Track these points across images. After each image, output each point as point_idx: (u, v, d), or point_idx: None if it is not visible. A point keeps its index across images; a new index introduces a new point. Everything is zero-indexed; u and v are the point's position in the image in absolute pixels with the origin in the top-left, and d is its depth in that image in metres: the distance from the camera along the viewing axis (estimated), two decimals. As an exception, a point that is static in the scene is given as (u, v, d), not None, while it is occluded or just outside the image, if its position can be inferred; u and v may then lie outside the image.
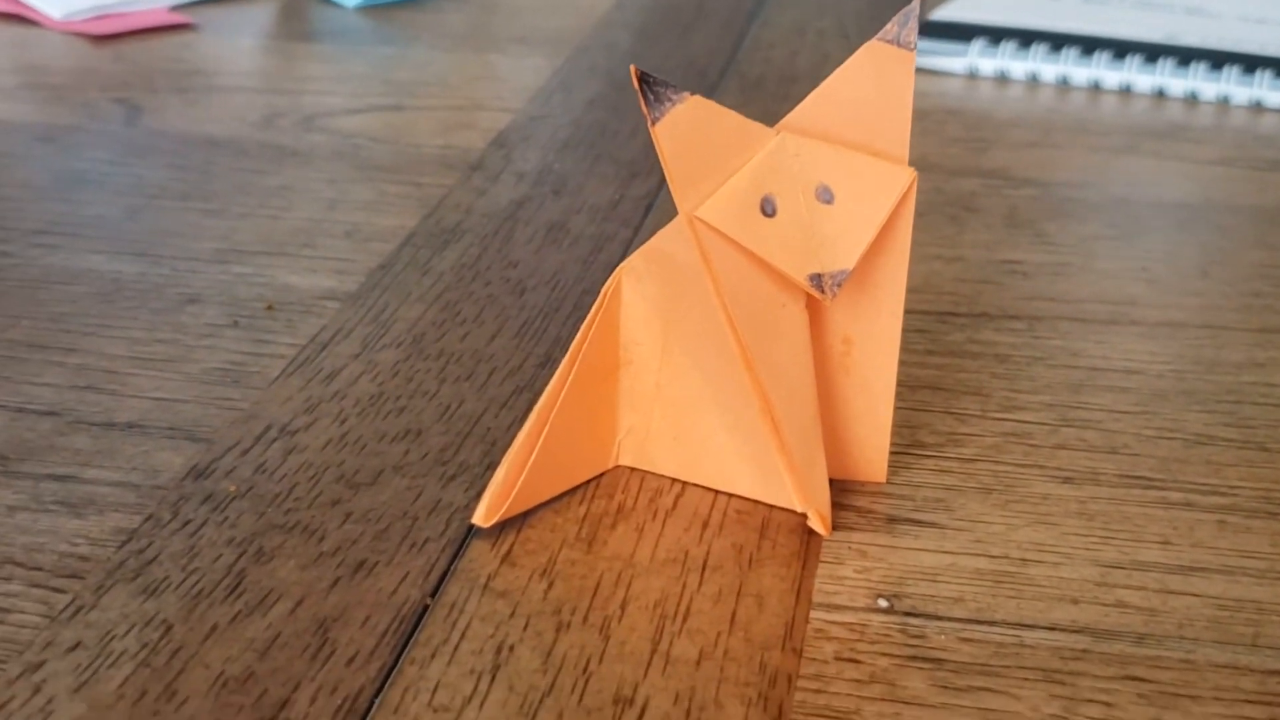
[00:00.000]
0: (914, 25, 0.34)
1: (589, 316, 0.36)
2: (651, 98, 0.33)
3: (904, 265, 0.34)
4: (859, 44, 0.74)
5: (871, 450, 0.36)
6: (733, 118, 0.34)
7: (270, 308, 0.45)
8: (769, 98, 0.65)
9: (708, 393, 0.36)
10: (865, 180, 0.33)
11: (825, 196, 0.33)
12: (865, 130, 0.34)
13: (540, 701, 0.30)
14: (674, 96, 0.33)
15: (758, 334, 0.34)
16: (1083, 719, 0.30)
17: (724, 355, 0.35)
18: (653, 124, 0.33)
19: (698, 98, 0.33)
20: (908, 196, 0.33)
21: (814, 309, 0.35)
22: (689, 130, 0.33)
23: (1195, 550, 0.35)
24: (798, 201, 0.33)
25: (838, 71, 0.34)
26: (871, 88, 0.34)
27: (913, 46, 0.33)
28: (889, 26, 0.34)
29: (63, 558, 0.34)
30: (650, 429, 0.38)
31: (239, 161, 0.57)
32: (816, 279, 0.33)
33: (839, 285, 0.33)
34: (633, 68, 0.33)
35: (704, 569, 0.34)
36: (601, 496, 0.37)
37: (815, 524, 0.35)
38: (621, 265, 0.37)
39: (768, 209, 0.33)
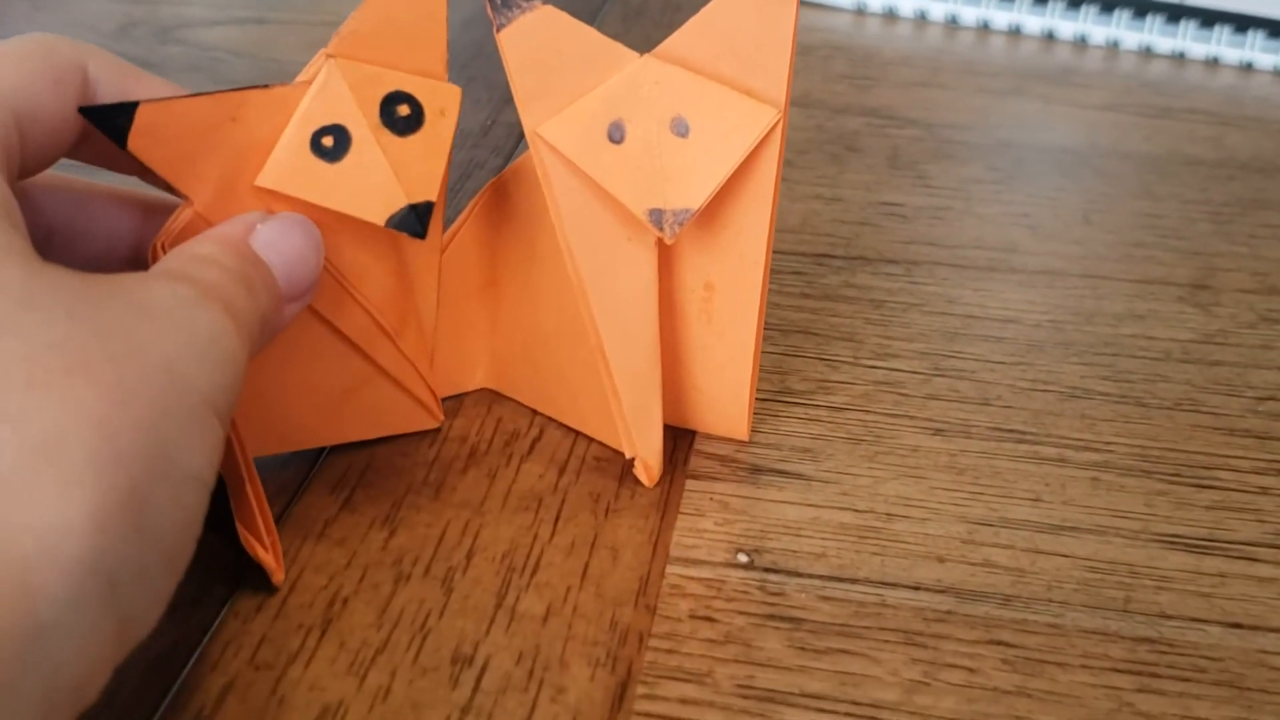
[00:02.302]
0: (795, -50, 0.31)
1: (454, 224, 0.34)
2: (499, 1, 0.31)
3: (767, 209, 0.32)
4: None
5: (733, 406, 0.35)
6: (590, 34, 0.31)
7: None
8: (651, 25, 0.63)
9: (563, 325, 0.34)
10: (726, 116, 0.31)
11: (680, 129, 0.31)
12: (741, 66, 0.32)
13: (372, 659, 0.28)
14: (524, 3, 0.31)
15: (595, 267, 0.32)
16: (943, 685, 0.29)
17: (572, 286, 0.33)
18: (497, 30, 0.31)
19: (550, 8, 0.31)
20: (771, 136, 0.31)
21: (675, 249, 0.33)
22: (538, 41, 0.31)
23: (1067, 508, 0.34)
24: (650, 131, 0.31)
25: (716, 0, 0.32)
26: (751, 21, 0.32)
27: (796, -24, 0.31)
28: (772, -46, 0.32)
29: None
30: (511, 355, 0.36)
31: (88, 72, 0.54)
32: (657, 215, 0.31)
33: (681, 224, 0.31)
34: None
35: (558, 519, 0.32)
36: (454, 439, 0.35)
37: (640, 473, 0.33)
38: (493, 179, 0.35)
39: (615, 135, 0.31)
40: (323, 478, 0.33)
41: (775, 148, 0.32)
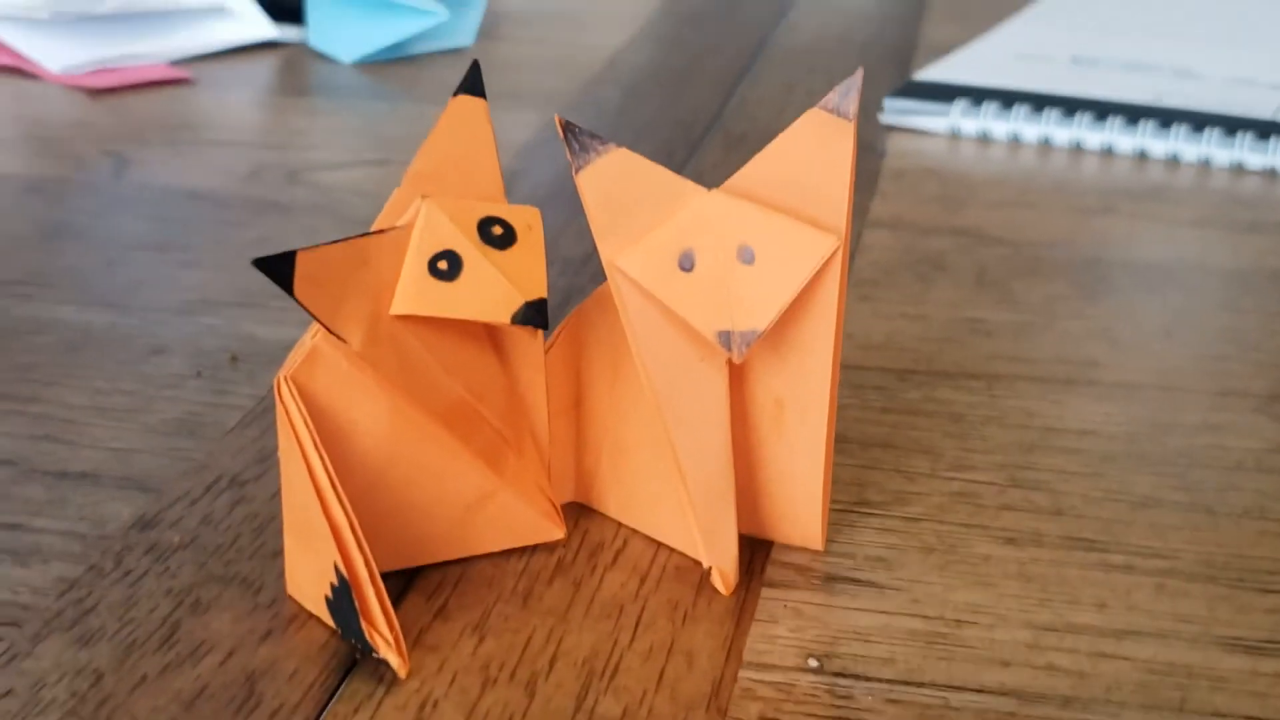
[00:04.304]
0: (854, 96, 0.34)
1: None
2: (576, 146, 0.34)
3: (831, 329, 0.34)
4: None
5: (807, 517, 0.36)
6: (661, 172, 0.34)
7: (234, 359, 0.46)
8: (751, 154, 0.65)
9: (644, 440, 0.36)
10: (788, 244, 0.33)
11: (746, 257, 0.34)
12: (802, 197, 0.34)
13: (459, 757, 0.30)
14: (599, 147, 0.34)
15: (669, 385, 0.34)
16: (1000, 782, 0.30)
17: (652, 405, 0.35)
18: (576, 172, 0.34)
19: (623, 150, 0.34)
20: (832, 262, 0.33)
21: (745, 368, 0.35)
22: (613, 180, 0.34)
23: (1131, 614, 0.35)
24: (718, 259, 0.34)
25: (778, 139, 0.34)
26: (810, 155, 0.34)
27: (851, 116, 0.34)
28: (830, 95, 0.34)
29: (3, 606, 0.34)
30: (599, 470, 0.38)
31: (220, 214, 0.58)
32: (725, 336, 0.34)
33: (748, 345, 0.33)
34: (556, 117, 0.34)
35: (637, 625, 0.34)
36: (542, 551, 0.37)
37: (717, 582, 0.35)
38: (578, 306, 0.37)
39: (686, 264, 0.34)
40: (419, 588, 0.35)
41: (836, 272, 0.34)
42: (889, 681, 0.33)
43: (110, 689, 0.32)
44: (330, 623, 0.34)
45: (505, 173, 0.63)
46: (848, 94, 0.34)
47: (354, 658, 0.33)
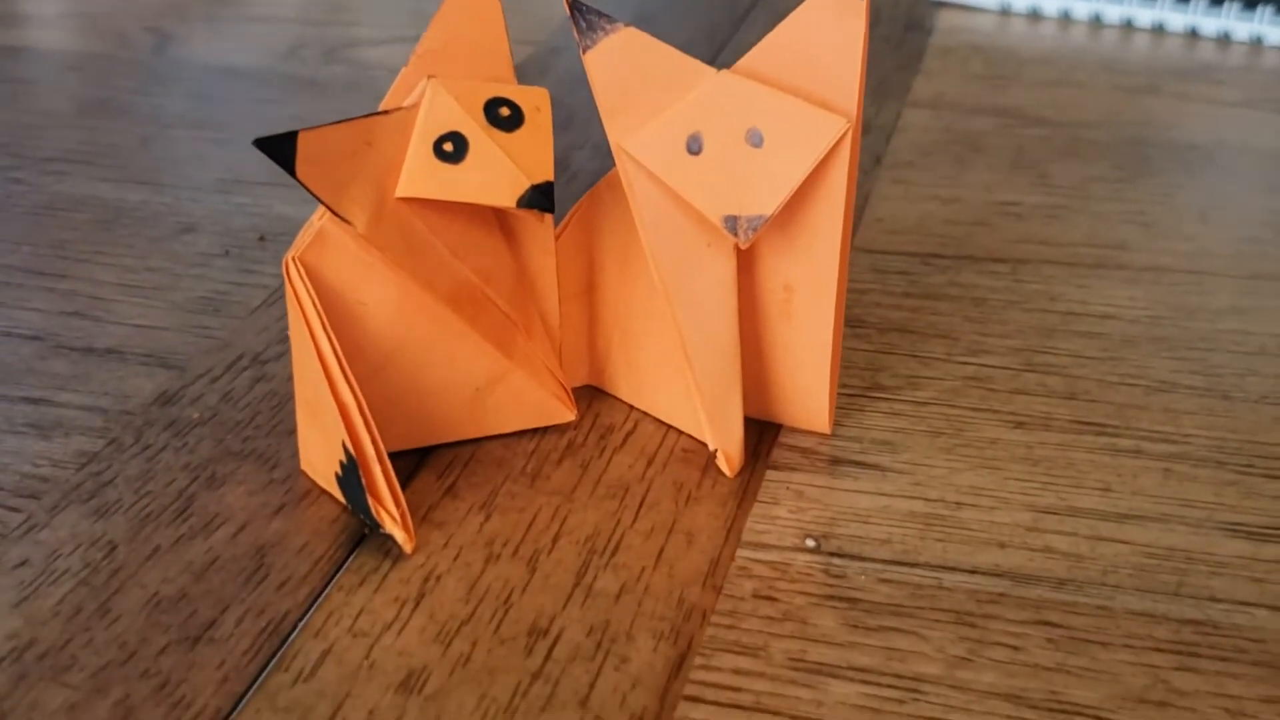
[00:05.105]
0: (867, -29, 0.33)
1: (555, 231, 0.37)
2: (584, 25, 0.33)
3: (840, 213, 0.34)
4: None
5: (814, 400, 0.37)
6: (670, 53, 0.34)
7: (262, 239, 0.46)
8: (795, 32, 0.65)
9: (654, 324, 0.37)
10: (797, 127, 0.33)
11: (755, 140, 0.33)
12: (813, 79, 0.34)
13: (457, 630, 0.31)
14: (607, 26, 0.33)
15: (676, 269, 0.34)
16: (986, 661, 0.30)
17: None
18: (583, 51, 0.33)
19: (632, 29, 0.34)
20: (842, 145, 0.33)
21: (754, 253, 0.35)
22: (621, 61, 0.34)
23: (1135, 498, 0.35)
24: (726, 142, 0.33)
25: (789, 18, 0.34)
26: (822, 36, 0.34)
27: (864, -5, 0.33)
28: (842, -29, 0.33)
29: (24, 478, 0.35)
30: (611, 353, 0.38)
31: (257, 92, 0.58)
32: (731, 221, 0.33)
33: (754, 230, 0.33)
34: None
35: (641, 505, 0.35)
36: (553, 432, 0.37)
37: (721, 464, 0.36)
38: (591, 189, 0.37)
39: (693, 147, 0.34)
40: (431, 467, 0.36)
41: (846, 155, 0.34)
42: (884, 561, 0.33)
43: (123, 559, 0.33)
44: (340, 498, 0.34)
45: (544, 49, 0.63)
46: (860, -30, 0.33)
47: (363, 533, 0.34)
